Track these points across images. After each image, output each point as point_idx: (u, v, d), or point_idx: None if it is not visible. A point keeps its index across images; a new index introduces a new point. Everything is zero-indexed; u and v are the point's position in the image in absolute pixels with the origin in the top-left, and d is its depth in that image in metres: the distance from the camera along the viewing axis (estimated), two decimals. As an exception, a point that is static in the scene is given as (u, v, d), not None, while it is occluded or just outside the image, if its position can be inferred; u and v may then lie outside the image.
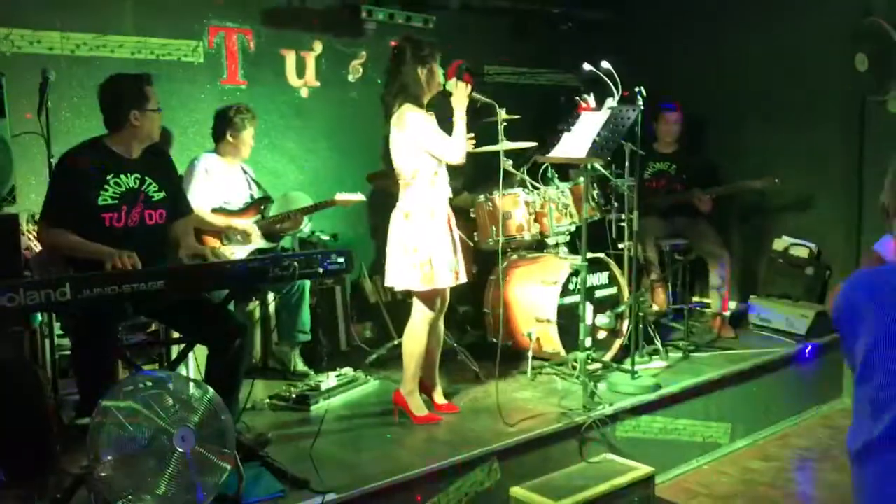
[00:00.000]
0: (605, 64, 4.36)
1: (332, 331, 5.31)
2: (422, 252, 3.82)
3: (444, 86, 3.95)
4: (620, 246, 4.98)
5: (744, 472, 4.45)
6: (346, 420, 4.06)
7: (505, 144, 4.67)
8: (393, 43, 5.55)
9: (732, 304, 5.82)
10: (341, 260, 3.27)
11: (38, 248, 3.79)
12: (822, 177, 5.69)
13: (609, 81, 4.38)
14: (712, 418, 4.68)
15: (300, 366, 4.76)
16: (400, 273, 3.88)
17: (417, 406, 3.99)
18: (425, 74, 3.86)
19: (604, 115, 4.29)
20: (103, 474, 2.63)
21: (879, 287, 1.59)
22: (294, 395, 4.22)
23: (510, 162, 4.86)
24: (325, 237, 5.31)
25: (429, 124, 3.82)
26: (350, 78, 5.65)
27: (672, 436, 4.45)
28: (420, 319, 3.96)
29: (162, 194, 3.45)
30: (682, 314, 5.39)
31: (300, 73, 5.40)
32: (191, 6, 4.91)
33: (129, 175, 3.38)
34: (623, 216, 4.88)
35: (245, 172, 4.77)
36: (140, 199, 3.39)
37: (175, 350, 3.97)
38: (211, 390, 2.90)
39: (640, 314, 4.78)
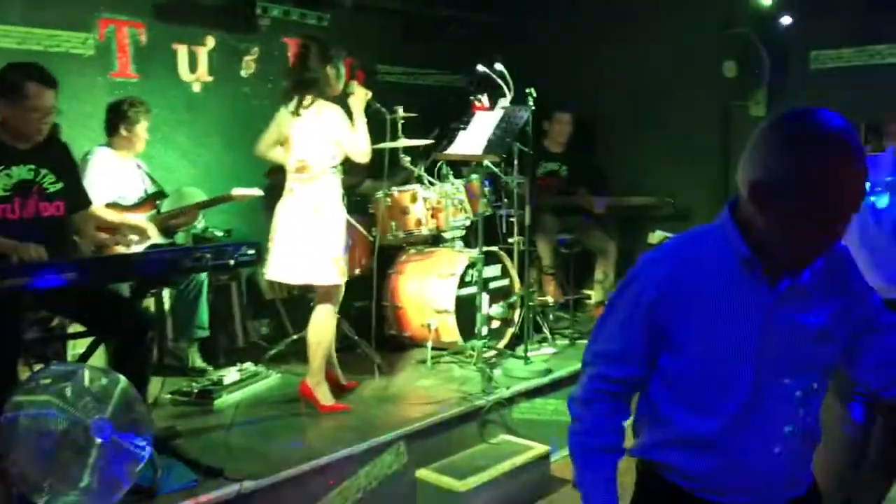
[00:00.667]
0: (498, 65, 4.58)
1: (229, 327, 5.29)
2: (335, 246, 3.93)
3: (346, 87, 4.09)
4: (510, 240, 5.23)
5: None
6: (252, 412, 4.09)
7: (403, 141, 4.84)
8: (287, 39, 5.64)
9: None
10: (251, 252, 3.33)
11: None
12: (693, 176, 6.13)
13: (501, 82, 4.61)
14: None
15: (198, 362, 4.74)
16: (310, 267, 3.95)
17: (324, 395, 4.09)
18: (333, 73, 3.97)
19: (497, 114, 4.52)
20: (20, 469, 2.60)
21: (695, 263, 1.62)
22: (196, 390, 4.21)
23: (408, 159, 5.03)
24: (219, 233, 5.27)
25: (345, 120, 3.94)
26: (243, 73, 5.64)
27: (564, 417, 4.69)
28: (328, 311, 4.07)
29: (59, 186, 3.37)
30: (567, 305, 5.71)
31: (192, 67, 5.35)
32: (80, -3, 4.80)
33: (21, 166, 3.28)
34: (512, 212, 5.13)
35: (139, 167, 4.70)
36: (34, 191, 3.30)
37: (71, 345, 3.90)
38: (123, 379, 2.92)
39: (531, 304, 5.04)
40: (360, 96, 4.07)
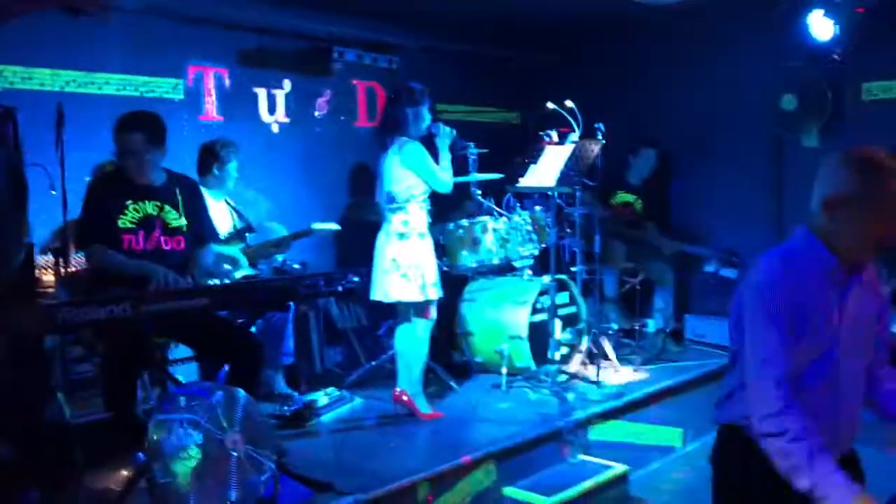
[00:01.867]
0: (568, 102, 4.83)
1: (308, 354, 5.52)
2: (420, 267, 4.30)
3: (430, 127, 4.42)
4: (574, 269, 5.43)
5: (699, 470, 4.89)
6: (345, 432, 4.31)
7: (475, 175, 5.10)
8: (357, 82, 5.95)
9: (672, 322, 6.36)
10: (356, 279, 3.56)
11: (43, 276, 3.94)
12: (747, 204, 6.32)
13: (570, 118, 4.86)
14: (667, 423, 5.13)
15: (283, 387, 4.96)
16: (398, 287, 4.32)
17: (423, 404, 4.43)
18: (415, 115, 4.31)
19: (568, 148, 4.76)
20: (167, 484, 2.82)
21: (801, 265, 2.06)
22: (289, 414, 4.43)
23: (479, 192, 5.28)
24: (296, 265, 5.53)
25: (424, 157, 4.27)
26: (316, 114, 5.94)
27: (635, 439, 4.87)
28: (423, 325, 4.46)
29: (181, 222, 3.66)
30: (631, 331, 5.90)
31: (271, 109, 5.67)
32: (172, 46, 5.12)
33: (148, 202, 3.59)
34: (576, 242, 5.35)
35: (227, 203, 4.98)
36: (158, 225, 3.60)
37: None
38: (243, 395, 3.13)
39: (598, 331, 5.23)
40: (444, 135, 4.39)
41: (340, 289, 3.50)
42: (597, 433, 4.61)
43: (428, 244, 4.40)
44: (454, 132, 4.49)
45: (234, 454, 2.93)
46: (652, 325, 6.29)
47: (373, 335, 5.73)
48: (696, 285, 6.65)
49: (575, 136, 4.85)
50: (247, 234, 4.96)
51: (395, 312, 4.95)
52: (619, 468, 4.21)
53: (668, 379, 5.30)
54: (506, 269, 5.49)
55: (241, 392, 3.15)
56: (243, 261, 4.80)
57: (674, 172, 6.64)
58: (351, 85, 6.06)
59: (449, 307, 5.42)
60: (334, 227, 5.25)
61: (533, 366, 5.01)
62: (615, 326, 5.86)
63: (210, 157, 4.82)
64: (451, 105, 6.74)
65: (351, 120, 6.12)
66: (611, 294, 6.05)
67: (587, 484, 4.02)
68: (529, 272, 5.41)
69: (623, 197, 6.29)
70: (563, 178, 4.67)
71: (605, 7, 5.90)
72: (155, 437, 2.87)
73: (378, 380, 5.18)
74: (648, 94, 6.58)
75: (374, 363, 5.27)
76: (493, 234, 5.19)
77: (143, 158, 3.62)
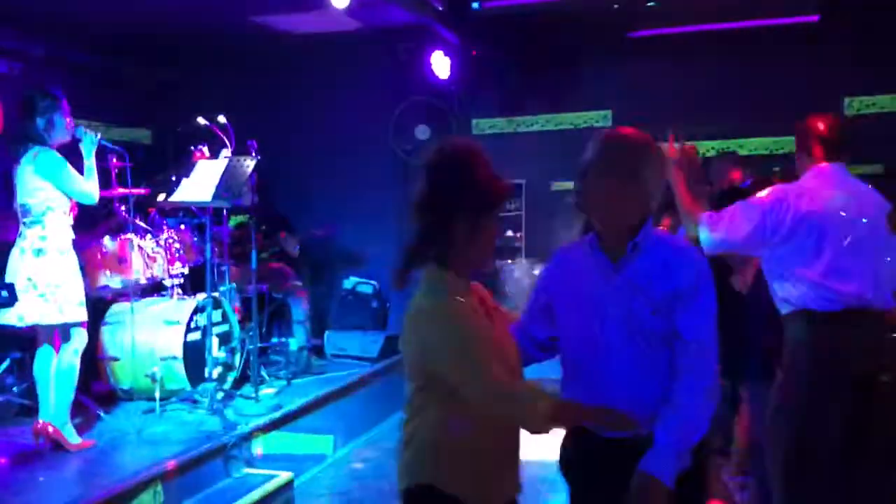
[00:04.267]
0: (221, 118, 4.85)
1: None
2: (63, 287, 3.99)
3: (73, 132, 4.16)
4: (223, 287, 5.41)
5: (352, 472, 5.19)
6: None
7: (118, 190, 4.87)
8: None
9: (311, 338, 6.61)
10: (5, 293, 3.24)
11: None
12: (378, 225, 6.84)
13: (222, 134, 4.88)
14: (319, 432, 5.34)
15: None
16: (39, 308, 3.94)
17: (71, 434, 4.10)
18: (48, 122, 4.08)
19: (222, 164, 4.77)
20: None
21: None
22: None
23: (124, 207, 5.02)
24: None
25: (65, 166, 4.05)
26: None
27: (293, 449, 4.99)
28: (72, 351, 4.12)
29: None
30: (276, 348, 6.01)
31: None
32: None
33: None
34: (224, 260, 5.36)
35: None
36: None
37: None
38: None
39: (252, 347, 5.27)
40: (88, 141, 4.21)
41: (-13, 305, 3.15)
42: (258, 446, 4.65)
43: (70, 261, 4.07)
44: (99, 137, 4.26)
45: None
46: (294, 343, 6.47)
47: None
48: (334, 302, 7.01)
49: (227, 152, 4.87)
50: None
51: (20, 342, 4.53)
52: (282, 477, 4.29)
53: (318, 390, 5.52)
54: (153, 289, 5.28)
55: None
56: None
57: (310, 191, 6.94)
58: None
59: (88, 332, 5.05)
60: None
61: (188, 386, 4.88)
62: (259, 344, 5.94)
63: None
64: (77, 119, 6.31)
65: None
66: (255, 312, 6.10)
67: (255, 495, 4.04)
68: (179, 291, 5.26)
69: (237, 219, 6.23)
70: (219, 194, 4.66)
71: (233, 29, 6.01)
72: None
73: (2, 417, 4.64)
74: (281, 119, 6.84)
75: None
76: (139, 252, 4.98)
77: None
